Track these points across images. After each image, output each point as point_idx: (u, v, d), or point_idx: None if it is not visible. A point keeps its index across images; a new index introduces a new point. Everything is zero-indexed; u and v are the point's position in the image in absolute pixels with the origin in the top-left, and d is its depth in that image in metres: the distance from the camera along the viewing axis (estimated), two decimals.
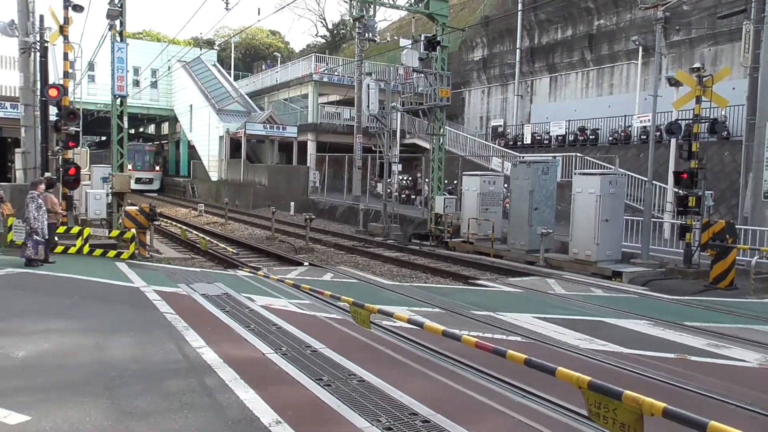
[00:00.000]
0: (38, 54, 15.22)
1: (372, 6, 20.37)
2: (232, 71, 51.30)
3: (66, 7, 13.58)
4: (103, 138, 60.32)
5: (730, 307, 9.93)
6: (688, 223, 12.95)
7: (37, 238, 11.24)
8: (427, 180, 23.09)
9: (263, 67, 49.59)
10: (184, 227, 21.36)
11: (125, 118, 15.54)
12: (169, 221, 25.04)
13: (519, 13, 30.05)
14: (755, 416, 4.92)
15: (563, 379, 3.77)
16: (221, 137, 38.12)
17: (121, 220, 14.98)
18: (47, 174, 14.01)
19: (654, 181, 14.93)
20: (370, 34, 20.72)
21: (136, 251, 13.64)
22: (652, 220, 14.51)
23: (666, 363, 6.38)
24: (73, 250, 13.16)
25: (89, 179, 19.14)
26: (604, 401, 3.45)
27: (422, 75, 20.35)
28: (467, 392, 5.21)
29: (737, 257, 11.82)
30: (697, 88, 12.93)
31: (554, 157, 20.76)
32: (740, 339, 7.62)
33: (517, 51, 31.25)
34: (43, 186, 11.94)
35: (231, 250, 16.83)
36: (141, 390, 4.99)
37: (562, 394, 4.83)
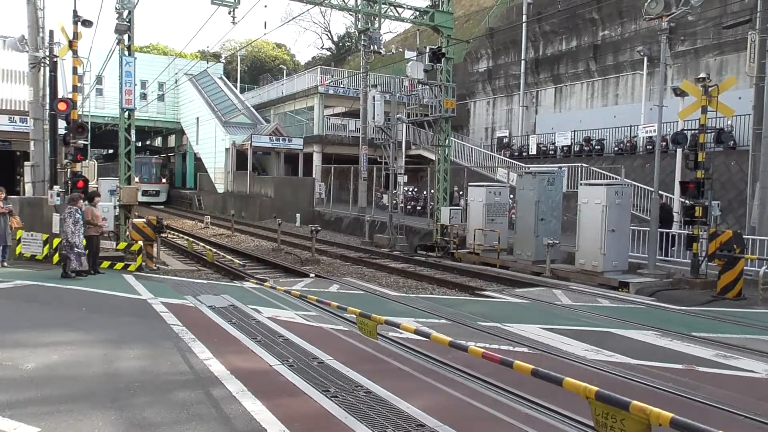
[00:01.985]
0: (48, 69, 15.40)
1: (377, 19, 20.50)
2: (238, 84, 51.63)
3: (75, 23, 13.73)
4: (111, 151, 60.71)
5: (738, 318, 9.87)
6: (695, 233, 12.92)
7: (78, 250, 11.55)
8: (433, 191, 23.08)
9: (274, 81, 49.85)
10: (191, 239, 21.44)
11: (132, 131, 15.65)
12: (176, 233, 25.13)
13: (524, 24, 30.18)
14: (763, 427, 4.90)
15: (570, 390, 3.77)
16: (227, 149, 38.31)
17: (128, 233, 15.05)
18: (56, 187, 14.12)
19: (660, 191, 14.91)
20: (375, 47, 20.84)
21: (144, 263, 13.71)
22: (659, 230, 14.48)
23: (673, 374, 6.36)
24: None
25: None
26: (611, 412, 3.45)
27: (427, 86, 20.44)
28: (474, 403, 5.21)
29: (745, 267, 11.76)
30: (702, 98, 12.93)
31: (560, 167, 20.78)
32: (748, 350, 7.58)
33: (522, 62, 31.36)
34: (82, 201, 12.11)
35: (237, 261, 16.88)
36: (149, 401, 5.02)
37: (570, 405, 4.82)
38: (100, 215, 12.84)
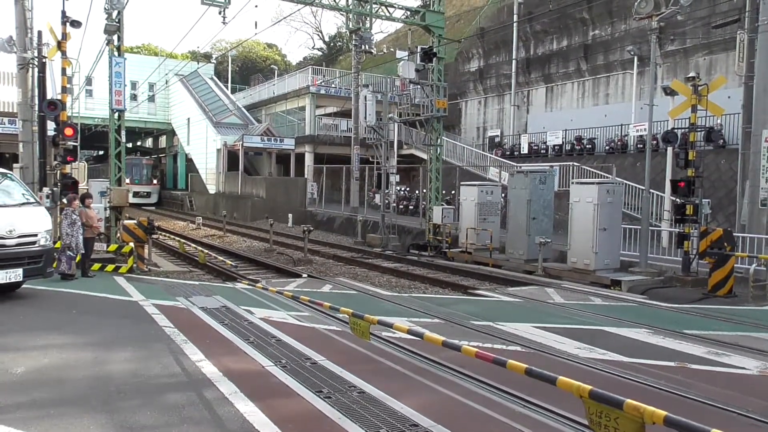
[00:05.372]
0: (36, 70, 15.27)
1: (368, 18, 20.48)
2: (229, 84, 51.45)
3: (64, 23, 13.61)
4: (101, 152, 60.36)
5: (729, 315, 9.93)
6: (685, 232, 12.98)
7: (70, 253, 11.43)
8: (425, 191, 23.10)
9: (265, 81, 49.73)
10: (183, 240, 21.33)
11: (123, 132, 15.55)
12: (167, 234, 24.99)
13: (514, 24, 30.24)
14: (756, 424, 4.91)
15: (564, 389, 3.77)
16: (219, 150, 38.17)
17: (119, 234, 14.95)
18: (45, 189, 14.00)
19: (651, 190, 14.99)
20: (367, 46, 20.81)
21: (135, 265, 13.61)
22: (650, 228, 14.54)
23: (666, 371, 6.38)
24: None
25: None
26: (605, 410, 3.45)
27: (419, 86, 20.47)
28: (468, 403, 5.20)
29: (735, 265, 11.84)
30: (692, 97, 13.00)
31: (551, 166, 20.83)
32: (740, 346, 7.62)
33: (513, 62, 31.42)
34: (77, 202, 12.02)
35: (229, 262, 16.81)
36: (140, 404, 4.97)
37: (563, 404, 4.82)
38: (95, 216, 12.75)
